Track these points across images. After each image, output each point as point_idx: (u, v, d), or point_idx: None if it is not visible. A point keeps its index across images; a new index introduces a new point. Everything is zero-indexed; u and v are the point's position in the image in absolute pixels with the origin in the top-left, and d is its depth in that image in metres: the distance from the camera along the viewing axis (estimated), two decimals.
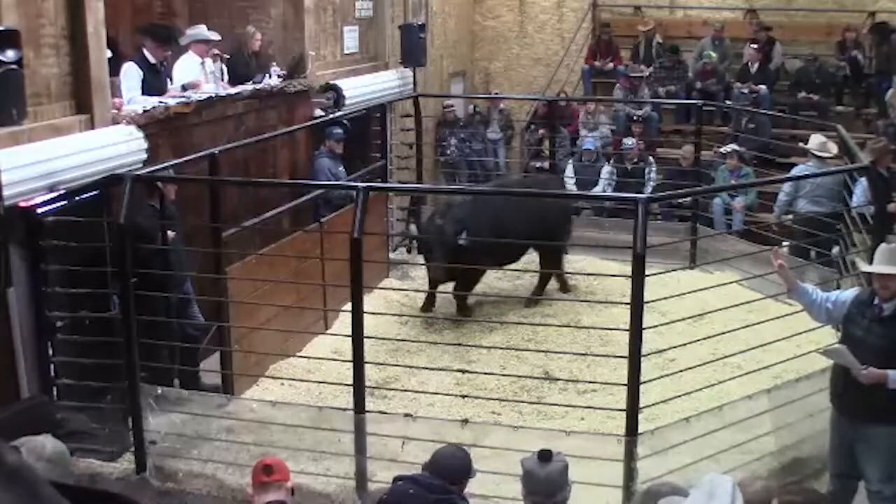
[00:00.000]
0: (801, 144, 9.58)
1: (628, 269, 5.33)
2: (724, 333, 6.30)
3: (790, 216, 9.29)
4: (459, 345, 7.59)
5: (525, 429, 6.05)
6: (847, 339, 5.27)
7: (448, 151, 12.93)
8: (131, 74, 7.49)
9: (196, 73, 8.26)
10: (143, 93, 7.49)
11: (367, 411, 5.80)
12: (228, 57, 8.95)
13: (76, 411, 5.72)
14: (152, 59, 7.68)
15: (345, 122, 9.62)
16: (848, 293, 5.42)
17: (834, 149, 9.07)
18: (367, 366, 5.77)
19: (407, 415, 6.17)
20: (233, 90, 8.36)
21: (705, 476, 3.47)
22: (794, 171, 9.53)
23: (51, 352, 6.07)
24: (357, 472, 5.79)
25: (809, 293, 5.43)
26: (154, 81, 7.67)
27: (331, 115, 9.51)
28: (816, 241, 8.31)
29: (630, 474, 5.38)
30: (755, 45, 12.91)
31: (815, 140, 9.21)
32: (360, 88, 10.30)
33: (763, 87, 12.52)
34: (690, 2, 14.33)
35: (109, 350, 6.08)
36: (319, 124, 9.43)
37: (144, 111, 7.08)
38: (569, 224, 9.50)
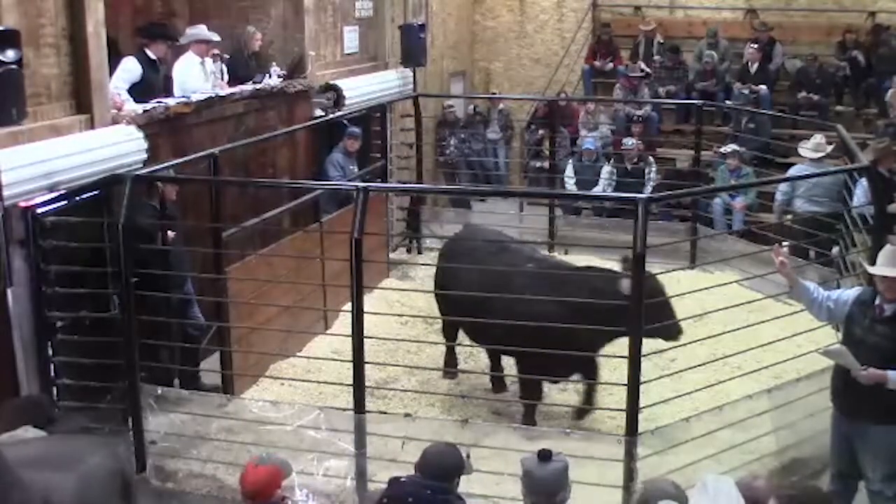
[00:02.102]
0: (801, 144, 9.61)
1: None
2: (724, 333, 6.30)
3: (789, 216, 9.30)
4: (459, 345, 7.60)
5: (525, 429, 6.06)
6: (848, 338, 5.27)
7: (448, 151, 12.93)
8: (126, 68, 7.51)
9: (196, 73, 8.26)
10: (141, 89, 7.50)
11: (367, 411, 5.80)
12: (228, 57, 8.95)
13: (73, 413, 5.73)
14: (152, 56, 7.70)
15: (345, 121, 9.64)
16: (850, 292, 5.40)
17: (827, 148, 9.10)
18: (367, 366, 5.77)
19: (407, 415, 6.18)
20: (233, 89, 8.37)
21: (706, 477, 3.48)
22: (791, 172, 9.55)
23: (51, 352, 6.07)
24: (357, 472, 5.79)
25: (811, 291, 5.42)
26: (153, 78, 7.68)
27: (330, 116, 9.52)
28: (816, 240, 8.31)
29: (630, 474, 5.39)
30: (755, 45, 12.91)
31: (812, 141, 9.26)
32: (360, 88, 10.30)
33: (763, 87, 12.51)
34: (690, 2, 14.32)
35: (109, 350, 6.08)
36: (320, 124, 9.44)
37: (144, 111, 7.08)
38: None
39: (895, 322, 5.07)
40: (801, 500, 3.71)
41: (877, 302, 5.13)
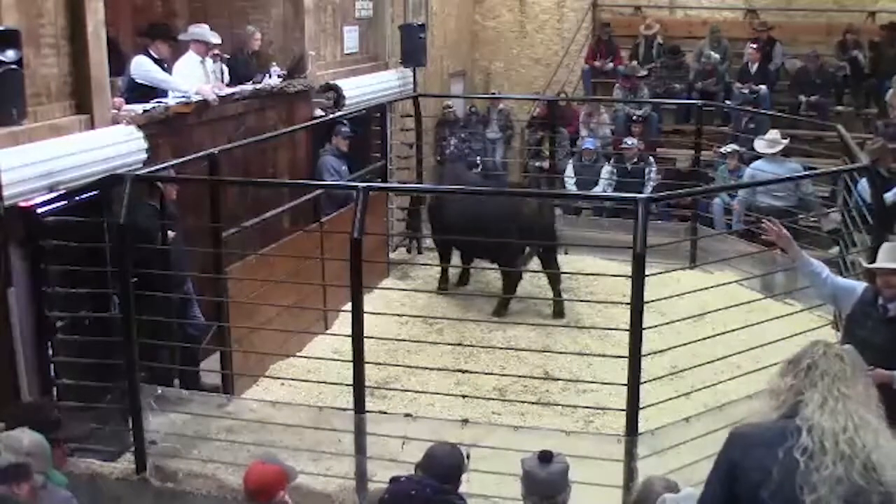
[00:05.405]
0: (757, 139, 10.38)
1: (628, 269, 5.32)
2: (724, 333, 6.29)
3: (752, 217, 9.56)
4: (459, 345, 7.60)
5: (525, 429, 6.06)
6: (849, 337, 5.23)
7: (448, 151, 12.92)
8: (144, 62, 7.57)
9: (196, 73, 8.26)
10: (142, 90, 7.49)
11: (367, 411, 5.80)
12: (228, 57, 8.94)
13: (78, 415, 5.73)
14: (157, 56, 7.70)
15: (345, 121, 9.62)
16: (856, 286, 5.33)
17: (783, 141, 10.03)
18: (367, 366, 5.77)
19: (407, 415, 6.17)
20: (233, 89, 8.36)
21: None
22: (752, 167, 10.16)
23: (51, 352, 6.07)
24: (357, 472, 5.79)
25: (816, 266, 5.37)
26: None
27: (330, 116, 9.51)
28: (812, 240, 8.47)
29: (630, 474, 5.38)
30: (755, 45, 12.91)
31: (768, 135, 10.03)
32: (360, 88, 10.30)
33: (763, 87, 12.52)
34: (690, 2, 14.34)
35: (109, 350, 6.08)
36: (319, 124, 9.43)
37: (144, 111, 7.08)
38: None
39: None
40: None
41: (879, 302, 5.09)
